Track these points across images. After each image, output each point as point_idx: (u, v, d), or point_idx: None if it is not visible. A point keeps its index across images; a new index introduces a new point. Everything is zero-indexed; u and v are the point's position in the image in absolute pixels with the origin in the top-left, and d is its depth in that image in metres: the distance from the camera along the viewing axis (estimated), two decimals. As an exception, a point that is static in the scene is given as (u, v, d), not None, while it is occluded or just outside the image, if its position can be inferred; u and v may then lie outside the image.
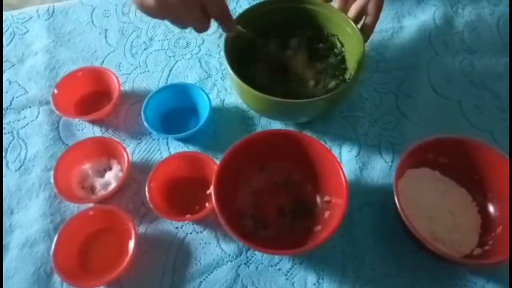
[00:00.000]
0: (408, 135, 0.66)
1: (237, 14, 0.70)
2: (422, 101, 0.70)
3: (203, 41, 0.79)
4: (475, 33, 0.79)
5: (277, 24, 0.72)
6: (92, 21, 0.82)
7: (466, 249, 0.55)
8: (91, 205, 0.61)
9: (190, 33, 0.80)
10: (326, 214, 0.58)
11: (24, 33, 0.81)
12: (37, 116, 0.70)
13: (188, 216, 0.58)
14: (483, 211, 0.58)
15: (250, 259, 0.57)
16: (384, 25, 0.79)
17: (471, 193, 0.60)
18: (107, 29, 0.81)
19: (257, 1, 0.70)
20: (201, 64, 0.76)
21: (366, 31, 0.63)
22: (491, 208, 0.58)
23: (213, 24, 0.79)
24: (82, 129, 0.69)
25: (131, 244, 0.56)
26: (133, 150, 0.66)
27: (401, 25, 0.80)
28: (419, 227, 0.52)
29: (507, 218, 0.55)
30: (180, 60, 0.76)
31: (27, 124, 0.69)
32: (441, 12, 0.81)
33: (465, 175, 0.60)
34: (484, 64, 0.75)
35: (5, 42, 0.79)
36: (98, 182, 0.62)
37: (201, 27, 0.56)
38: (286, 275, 0.56)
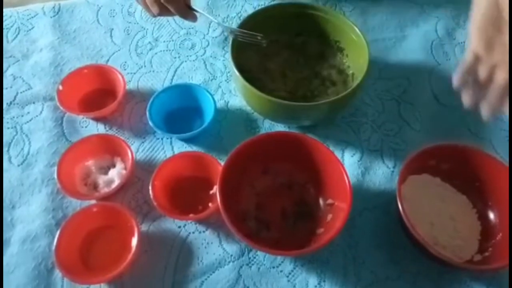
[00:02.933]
0: (410, 141, 0.67)
1: (242, 18, 0.71)
2: (424, 109, 0.71)
3: (208, 43, 0.79)
4: (476, 44, 0.80)
5: (281, 29, 0.73)
6: (98, 20, 0.83)
7: (466, 255, 0.56)
8: (93, 201, 0.60)
9: (195, 35, 0.80)
10: (329, 217, 0.58)
11: (29, 30, 0.81)
12: (41, 112, 0.70)
13: (191, 215, 0.58)
14: (483, 218, 0.59)
15: (252, 260, 0.57)
16: (387, 33, 0.81)
17: (472, 200, 0.60)
18: (112, 29, 0.81)
19: (262, 6, 0.71)
20: (206, 66, 0.76)
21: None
22: (491, 215, 0.59)
23: (218, 27, 0.81)
24: (86, 126, 0.69)
25: (134, 242, 0.56)
26: (137, 149, 0.67)
27: (404, 34, 0.81)
28: (421, 232, 0.52)
29: (507, 225, 0.56)
30: (185, 61, 0.77)
31: (31, 120, 0.69)
32: (443, 23, 0.83)
33: (466, 182, 0.61)
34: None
35: (10, 38, 0.79)
36: (101, 179, 0.62)
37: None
38: (287, 276, 0.56)
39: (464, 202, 0.61)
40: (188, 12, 0.68)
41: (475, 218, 0.59)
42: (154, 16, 0.68)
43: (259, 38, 0.66)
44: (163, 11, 0.66)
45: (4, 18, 0.82)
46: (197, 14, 0.70)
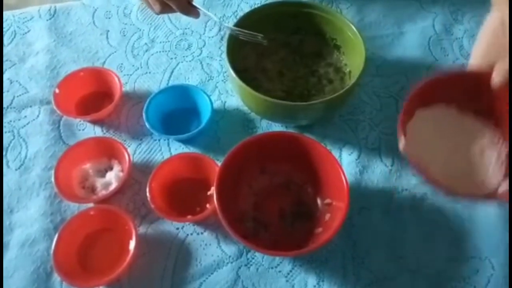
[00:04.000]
0: (408, 139, 0.67)
1: (238, 17, 0.71)
2: (422, 106, 0.71)
3: (205, 43, 0.79)
4: (474, 39, 0.79)
5: (278, 28, 0.73)
6: (94, 22, 0.82)
7: (487, 188, 0.51)
8: (91, 205, 0.61)
9: (191, 35, 0.80)
10: (327, 216, 0.58)
11: (26, 33, 0.81)
12: (38, 116, 0.70)
13: (189, 217, 0.58)
14: (506, 145, 0.54)
15: (251, 261, 0.57)
16: (385, 30, 0.80)
17: (493, 128, 0.55)
18: (108, 30, 0.81)
19: (259, 5, 0.71)
20: (202, 66, 0.76)
21: None
22: None
23: (214, 27, 0.81)
24: (83, 129, 0.69)
25: (132, 245, 0.56)
26: (134, 151, 0.66)
27: (402, 31, 0.80)
28: (435, 171, 0.48)
29: None
30: (182, 62, 0.77)
31: (28, 123, 0.69)
32: (441, 19, 0.82)
33: (484, 109, 0.55)
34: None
35: (6, 42, 0.79)
36: (99, 182, 0.62)
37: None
38: (286, 277, 0.56)
39: (484, 130, 0.55)
40: (189, 9, 0.67)
41: (498, 146, 0.54)
42: (157, 13, 0.68)
43: (259, 38, 0.66)
44: (165, 8, 0.66)
45: None
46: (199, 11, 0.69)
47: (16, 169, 0.65)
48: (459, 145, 0.55)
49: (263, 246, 0.53)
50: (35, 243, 0.58)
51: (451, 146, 0.55)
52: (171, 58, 0.77)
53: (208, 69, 0.76)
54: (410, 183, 0.63)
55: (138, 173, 0.64)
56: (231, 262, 0.57)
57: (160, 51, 0.78)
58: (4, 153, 0.66)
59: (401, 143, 0.50)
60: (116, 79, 0.70)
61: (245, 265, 0.57)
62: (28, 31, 0.81)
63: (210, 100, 0.67)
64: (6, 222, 0.60)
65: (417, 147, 0.50)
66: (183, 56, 0.77)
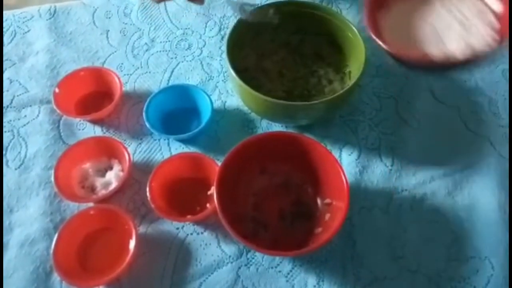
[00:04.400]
0: (408, 139, 0.67)
1: (238, 17, 0.71)
2: (421, 107, 0.71)
3: (205, 43, 0.79)
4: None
5: (278, 28, 0.73)
6: (94, 21, 0.82)
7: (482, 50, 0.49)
8: (91, 204, 0.60)
9: (192, 35, 0.80)
10: (327, 216, 0.58)
11: (26, 32, 0.81)
12: (37, 115, 0.70)
13: (189, 216, 0.58)
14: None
15: (251, 261, 0.57)
16: (385, 31, 0.80)
17: None
18: (108, 30, 0.81)
19: (258, 6, 0.71)
20: (202, 66, 0.76)
21: None
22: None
23: (214, 27, 0.81)
24: (83, 129, 0.69)
25: (132, 244, 0.56)
26: (134, 150, 0.66)
27: (401, 32, 0.80)
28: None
29: None
30: (182, 62, 0.77)
31: (27, 123, 0.69)
32: (440, 20, 0.82)
33: None
34: (482, 71, 0.75)
35: (6, 41, 0.79)
36: (99, 182, 0.62)
37: None
38: (286, 277, 0.56)
39: None
40: None
41: (483, 7, 0.52)
42: (157, 2, 0.66)
43: (271, 12, 0.65)
44: None
45: None
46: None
47: (15, 169, 0.65)
48: (443, 19, 0.53)
49: (263, 246, 0.53)
50: (34, 243, 0.58)
51: (434, 24, 0.53)
52: (171, 58, 0.77)
53: (208, 69, 0.76)
54: (410, 183, 0.63)
55: (138, 172, 0.64)
56: (231, 262, 0.57)
57: (160, 51, 0.78)
58: (3, 152, 0.66)
59: (380, 42, 0.49)
60: (116, 78, 0.70)
61: (245, 265, 0.57)
62: (28, 30, 0.81)
63: (210, 100, 0.67)
64: (5, 222, 0.60)
65: (398, 36, 0.50)
66: (183, 56, 0.77)
